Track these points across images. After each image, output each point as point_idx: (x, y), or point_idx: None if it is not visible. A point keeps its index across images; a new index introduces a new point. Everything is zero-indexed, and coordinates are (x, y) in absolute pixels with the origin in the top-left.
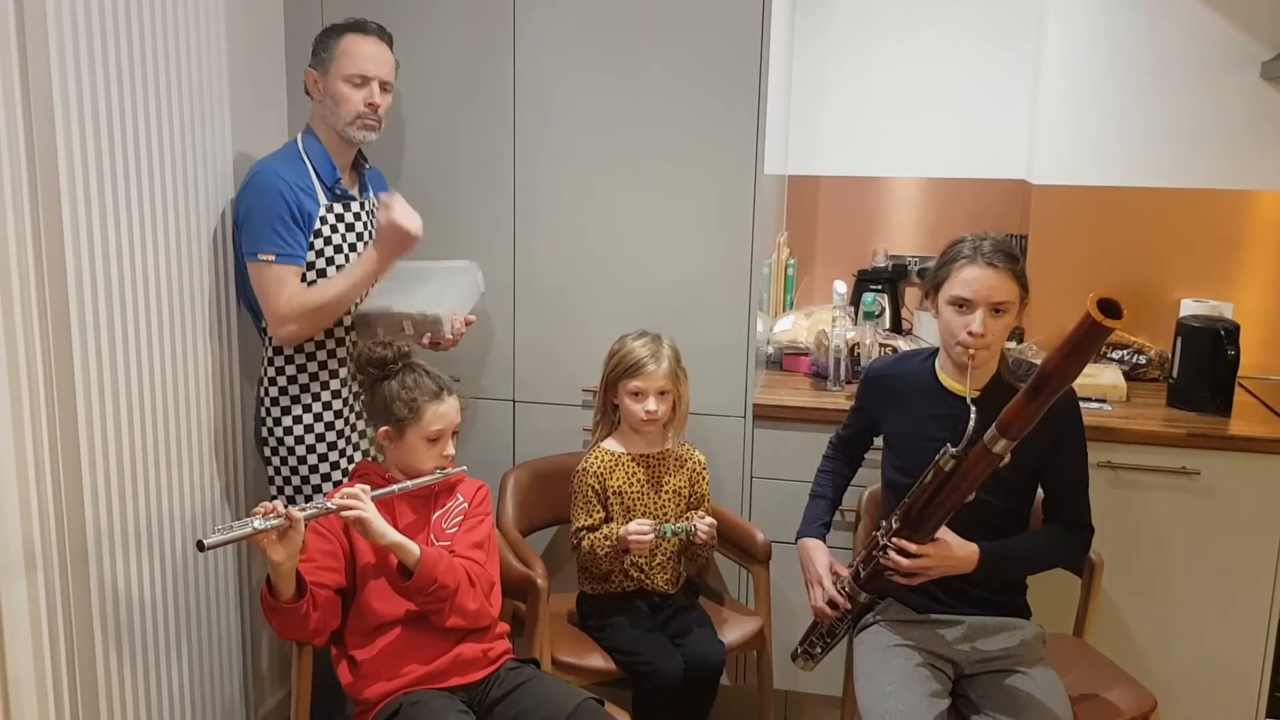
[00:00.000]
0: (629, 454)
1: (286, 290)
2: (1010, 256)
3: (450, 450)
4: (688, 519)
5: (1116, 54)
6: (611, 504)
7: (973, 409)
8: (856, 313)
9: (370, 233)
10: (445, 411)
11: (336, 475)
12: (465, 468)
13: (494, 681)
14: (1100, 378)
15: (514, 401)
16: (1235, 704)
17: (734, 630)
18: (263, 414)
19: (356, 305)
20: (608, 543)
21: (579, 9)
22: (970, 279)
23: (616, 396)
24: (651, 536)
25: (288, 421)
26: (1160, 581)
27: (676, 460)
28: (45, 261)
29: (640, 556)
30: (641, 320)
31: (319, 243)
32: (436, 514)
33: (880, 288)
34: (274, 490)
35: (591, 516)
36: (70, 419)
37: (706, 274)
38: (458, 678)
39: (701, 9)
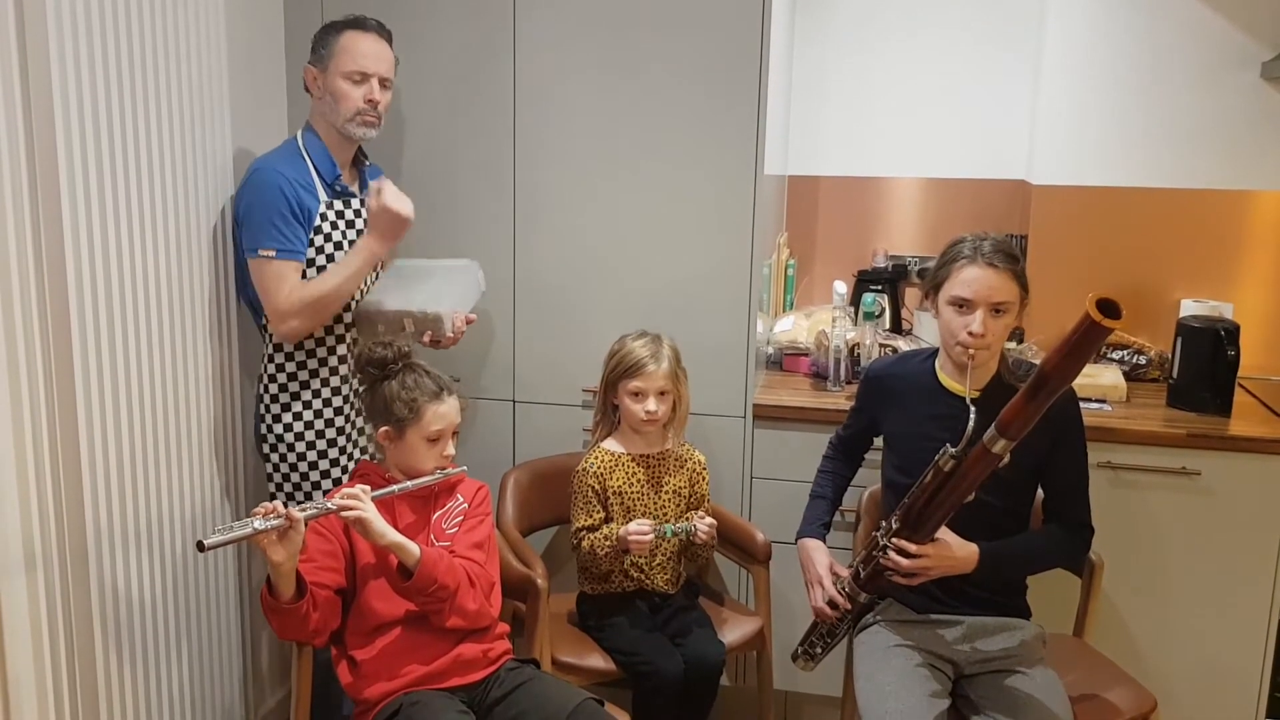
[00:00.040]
0: (629, 454)
1: (287, 286)
2: (1010, 256)
3: (450, 450)
4: (688, 519)
5: (1116, 54)
6: (611, 504)
7: (972, 409)
8: (856, 313)
9: None
10: (445, 412)
11: (336, 473)
12: (465, 468)
13: (494, 682)
14: (1100, 378)
15: (514, 401)
16: (1235, 704)
17: (734, 630)
18: (262, 411)
19: (357, 302)
20: (608, 543)
21: (579, 9)
22: (970, 279)
23: (616, 397)
24: (651, 537)
25: (287, 419)
26: (1160, 581)
27: (676, 460)
28: (45, 261)
29: (640, 557)
30: (641, 320)
31: (319, 239)
32: (436, 514)
33: (880, 288)
34: (273, 488)
35: (591, 517)
36: (70, 418)
37: (706, 274)
38: (458, 678)
39: (701, 9)
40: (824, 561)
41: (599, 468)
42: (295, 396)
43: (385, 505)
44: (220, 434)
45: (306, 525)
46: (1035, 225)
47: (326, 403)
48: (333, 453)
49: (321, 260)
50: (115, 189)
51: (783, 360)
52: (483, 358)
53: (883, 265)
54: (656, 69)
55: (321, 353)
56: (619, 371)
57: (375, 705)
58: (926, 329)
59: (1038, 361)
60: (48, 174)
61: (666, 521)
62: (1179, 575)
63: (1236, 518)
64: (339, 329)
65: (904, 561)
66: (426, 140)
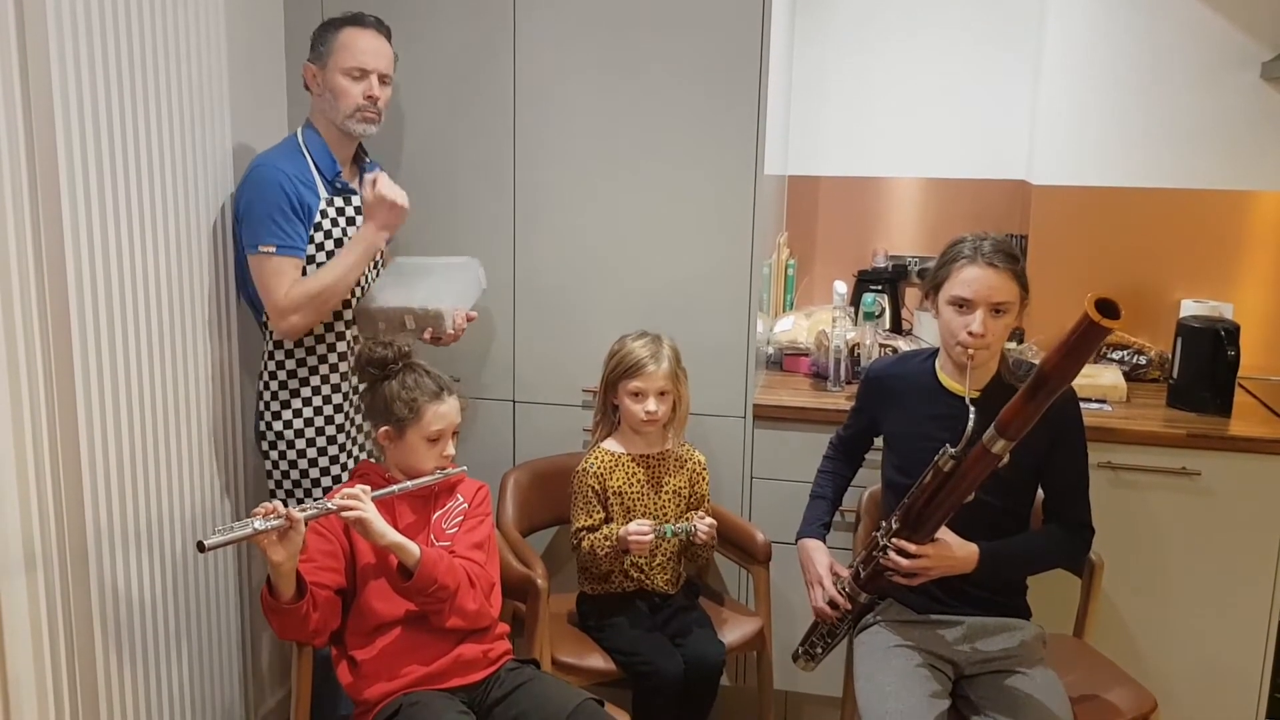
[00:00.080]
0: (629, 454)
1: (286, 282)
2: (1010, 256)
3: (450, 450)
4: (688, 519)
5: (1116, 54)
6: (611, 504)
7: (971, 409)
8: (856, 313)
9: None
10: (445, 412)
11: (335, 470)
12: (465, 468)
13: (494, 682)
14: (1100, 378)
15: (514, 401)
16: (1235, 704)
17: (734, 630)
18: (261, 409)
19: (358, 300)
20: (608, 543)
21: (579, 9)
22: (970, 279)
23: (616, 397)
24: (651, 537)
25: (287, 416)
26: (1160, 581)
27: (676, 460)
28: (45, 260)
29: (640, 557)
30: (641, 320)
31: (319, 236)
32: (436, 514)
33: (880, 288)
34: (272, 485)
35: (591, 517)
36: (70, 418)
37: (706, 274)
38: (458, 678)
39: (701, 9)
40: (824, 561)
41: (599, 468)
42: (295, 394)
43: (385, 505)
44: (220, 433)
45: (306, 525)
46: (1035, 225)
47: (326, 400)
48: (332, 450)
49: (322, 257)
50: (115, 188)
51: (783, 360)
52: (483, 358)
53: (883, 265)
54: (656, 69)
55: (321, 350)
56: (619, 371)
57: (375, 705)
58: (926, 329)
59: (1038, 361)
60: (48, 173)
61: (666, 522)
62: (1179, 575)
63: (1236, 518)
64: (339, 326)
65: (904, 561)
66: (426, 140)
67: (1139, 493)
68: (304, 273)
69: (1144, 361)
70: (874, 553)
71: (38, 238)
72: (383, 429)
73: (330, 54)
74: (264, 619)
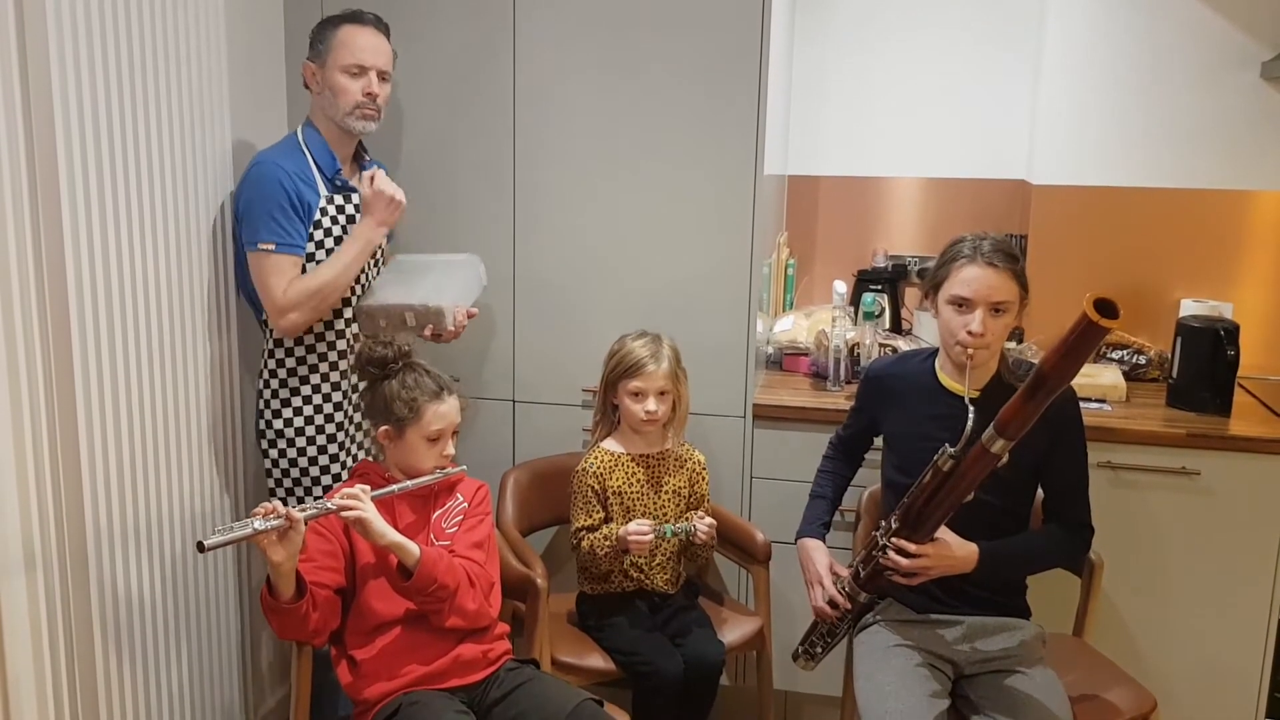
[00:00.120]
0: (629, 454)
1: (285, 279)
2: (1010, 256)
3: (450, 450)
4: (687, 519)
5: (1116, 54)
6: (611, 504)
7: (970, 409)
8: (856, 313)
9: None
10: (445, 411)
11: (335, 468)
12: (465, 467)
13: (493, 682)
14: (1100, 378)
15: (514, 401)
16: (1235, 704)
17: (734, 630)
18: (261, 407)
19: (358, 298)
20: (607, 543)
21: (579, 9)
22: (970, 278)
23: (616, 397)
24: (651, 537)
25: (287, 414)
26: (1160, 581)
27: (676, 460)
28: (45, 261)
29: (640, 557)
30: (641, 320)
31: (319, 234)
32: (436, 513)
33: (880, 288)
34: (272, 484)
35: (591, 517)
36: (70, 419)
37: (706, 274)
38: (457, 679)
39: (701, 9)
40: (824, 561)
41: (599, 468)
42: (295, 392)
43: (385, 505)
44: (220, 434)
45: (306, 525)
46: (1035, 225)
47: (326, 399)
48: (332, 449)
49: (321, 255)
50: (115, 188)
51: (782, 360)
52: (483, 357)
53: (882, 265)
54: (656, 69)
55: (321, 348)
56: (619, 371)
57: (374, 705)
58: (926, 329)
59: (1037, 361)
60: (47, 174)
61: (666, 522)
62: (1179, 575)
63: (1236, 517)
64: (339, 325)
65: (903, 561)
66: (426, 140)
67: (1139, 492)
68: (303, 270)
69: (1144, 361)
70: (874, 552)
71: (37, 237)
72: (382, 428)
73: (329, 51)
74: (264, 619)
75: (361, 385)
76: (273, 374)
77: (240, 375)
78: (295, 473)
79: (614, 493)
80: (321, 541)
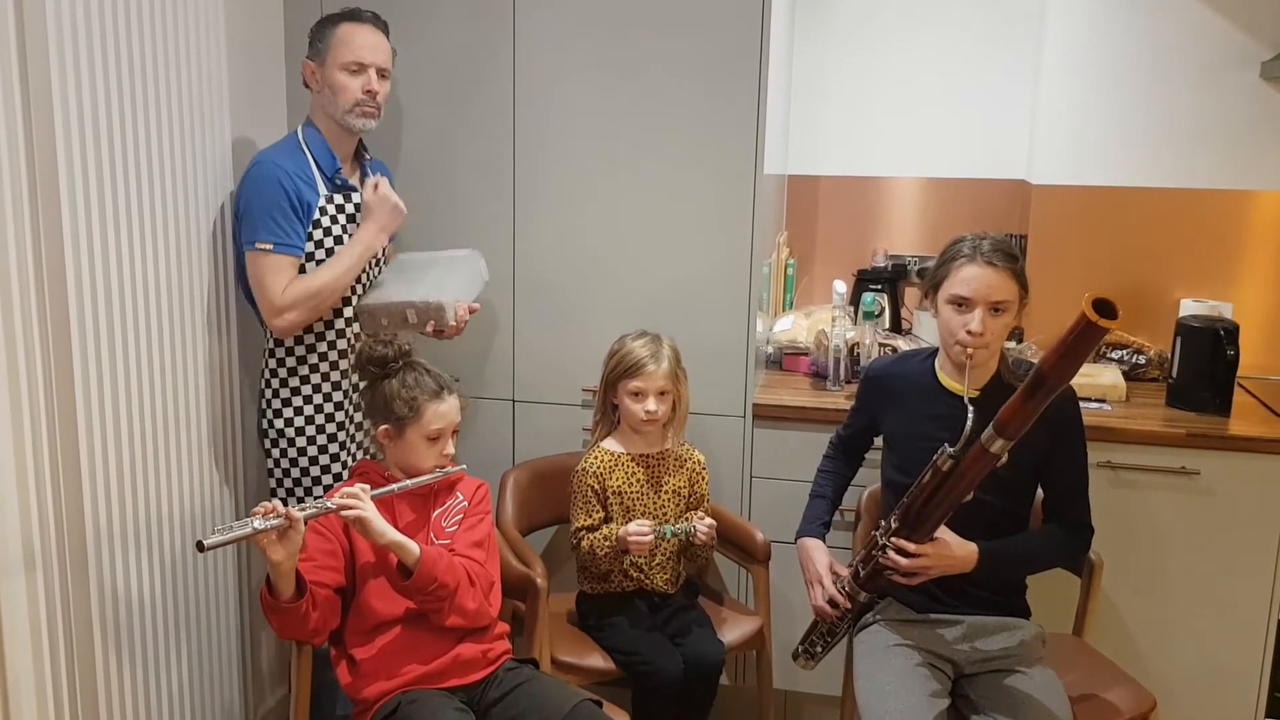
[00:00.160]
0: (629, 454)
1: (283, 280)
2: (1009, 255)
3: (450, 449)
4: (687, 519)
5: (1116, 54)
6: (611, 504)
7: (970, 408)
8: (856, 312)
9: None
10: (445, 410)
11: (336, 468)
12: (465, 466)
13: (492, 682)
14: (1099, 378)
15: (514, 401)
16: (1235, 704)
17: (733, 630)
18: (263, 406)
19: (359, 298)
20: (607, 543)
21: (579, 9)
22: (969, 278)
23: (616, 396)
24: (651, 538)
25: (288, 413)
26: (1160, 581)
27: (676, 460)
28: (45, 262)
29: (640, 557)
30: (641, 320)
31: (318, 233)
32: (436, 512)
33: (880, 287)
34: (273, 483)
35: (591, 516)
36: (70, 419)
37: (706, 274)
38: (456, 679)
39: (701, 9)
40: (823, 561)
41: (599, 467)
42: (295, 391)
43: (385, 504)
44: (220, 434)
45: (306, 524)
46: (1035, 225)
47: (327, 398)
48: (333, 448)
49: (320, 254)
50: (115, 189)
51: (782, 360)
52: (483, 357)
53: (882, 265)
54: (656, 69)
55: (322, 348)
56: (619, 371)
57: (373, 704)
58: (926, 329)
59: (1037, 361)
60: (47, 174)
61: (666, 521)
62: (1179, 575)
63: (1236, 517)
64: (339, 324)
65: (903, 561)
66: (426, 139)
67: (1138, 492)
68: (302, 271)
69: (1143, 361)
70: (873, 552)
71: (37, 237)
72: (382, 427)
73: (328, 50)
74: (263, 618)
75: (362, 384)
76: (273, 374)
77: (240, 375)
78: (295, 472)
79: (614, 492)
80: (321, 541)
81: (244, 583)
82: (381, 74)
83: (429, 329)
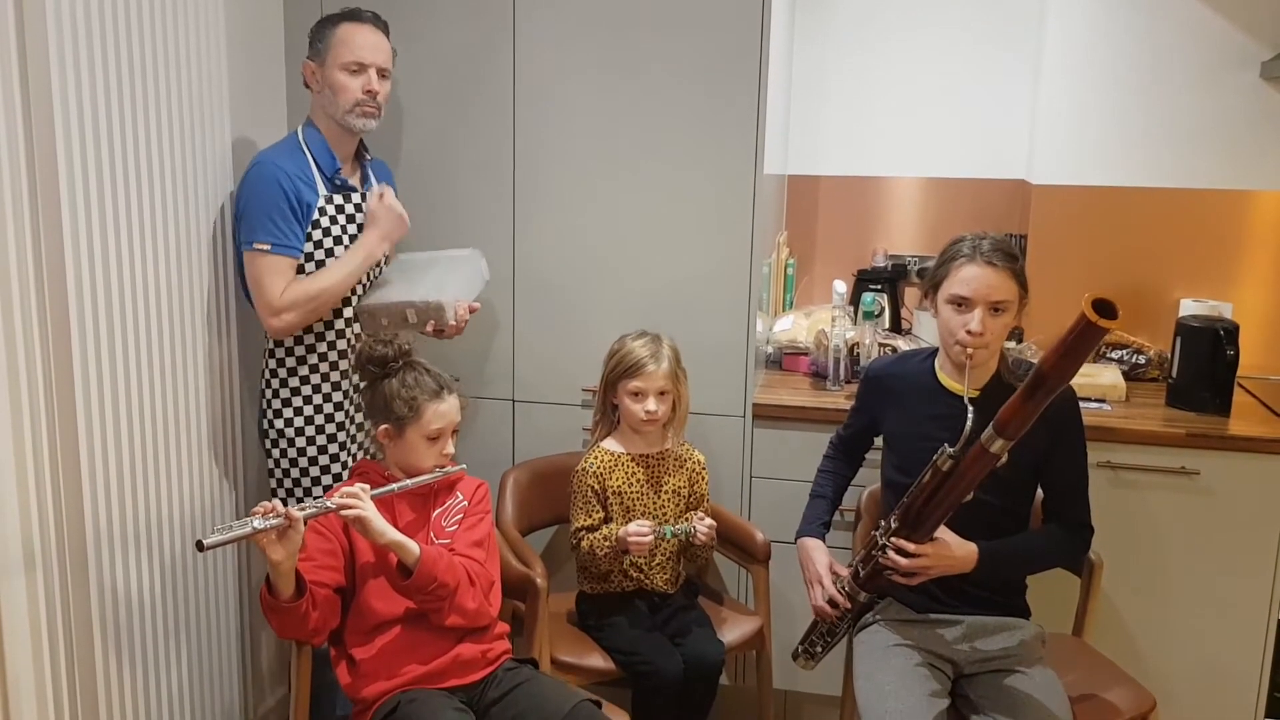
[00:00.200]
0: (629, 454)
1: (281, 281)
2: (1009, 255)
3: (450, 449)
4: (687, 519)
5: (1116, 54)
6: (611, 504)
7: (969, 408)
8: (856, 312)
9: None
10: (445, 410)
11: (336, 468)
12: (465, 466)
13: (491, 682)
14: (1099, 378)
15: (514, 401)
16: (1235, 704)
17: (733, 630)
18: (264, 406)
19: (359, 298)
20: (607, 543)
21: (579, 9)
22: (969, 278)
23: (616, 396)
24: (651, 538)
25: (288, 413)
26: (1160, 581)
27: (676, 460)
28: (45, 262)
29: (639, 557)
30: (641, 320)
31: (317, 234)
32: (436, 512)
33: (880, 287)
34: (273, 483)
35: (591, 517)
36: (70, 420)
37: (706, 274)
38: (456, 679)
39: (701, 9)
40: (823, 560)
41: (598, 467)
42: (295, 391)
43: (385, 503)
44: (220, 434)
45: (306, 524)
46: (1035, 225)
47: (327, 398)
48: (333, 448)
49: (320, 254)
50: (115, 189)
51: (782, 360)
52: (483, 357)
53: (882, 265)
54: (656, 69)
55: (322, 348)
56: (619, 371)
57: (373, 704)
58: (926, 329)
59: (1037, 361)
60: (47, 174)
61: (666, 522)
62: (1179, 575)
63: (1236, 517)
64: (339, 324)
65: (903, 561)
66: (426, 139)
67: (1138, 492)
68: (300, 272)
69: (1143, 361)
70: (873, 552)
71: (37, 237)
72: (382, 427)
73: (328, 50)
74: (263, 618)
75: (362, 384)
76: (273, 374)
77: (240, 376)
78: (295, 472)
79: (614, 492)
80: (321, 540)
81: (244, 583)
82: (382, 74)
83: (429, 329)
